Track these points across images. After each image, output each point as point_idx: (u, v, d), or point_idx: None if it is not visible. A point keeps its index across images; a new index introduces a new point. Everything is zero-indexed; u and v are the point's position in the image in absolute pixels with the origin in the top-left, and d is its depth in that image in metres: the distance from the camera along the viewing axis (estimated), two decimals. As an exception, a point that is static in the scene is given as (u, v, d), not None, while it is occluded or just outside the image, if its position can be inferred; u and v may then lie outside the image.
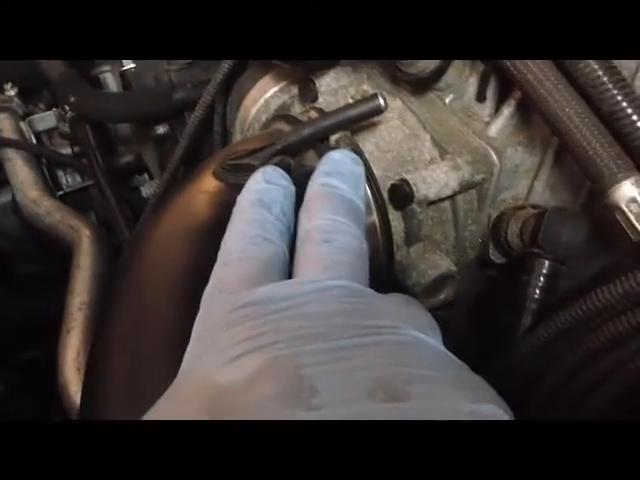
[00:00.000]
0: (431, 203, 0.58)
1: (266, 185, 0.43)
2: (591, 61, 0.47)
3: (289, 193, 0.44)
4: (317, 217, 0.41)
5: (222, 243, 0.41)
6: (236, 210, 0.43)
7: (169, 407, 0.32)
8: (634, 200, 0.47)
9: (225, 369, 0.31)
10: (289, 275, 0.40)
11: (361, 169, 0.46)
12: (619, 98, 0.46)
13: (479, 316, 0.69)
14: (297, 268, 0.39)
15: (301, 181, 0.54)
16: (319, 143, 0.54)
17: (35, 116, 1.23)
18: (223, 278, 0.38)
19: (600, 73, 0.47)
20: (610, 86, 0.47)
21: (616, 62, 0.48)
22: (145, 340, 0.44)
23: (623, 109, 0.46)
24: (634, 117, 0.46)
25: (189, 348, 0.36)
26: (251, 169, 0.47)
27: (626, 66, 0.49)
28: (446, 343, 0.36)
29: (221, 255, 0.40)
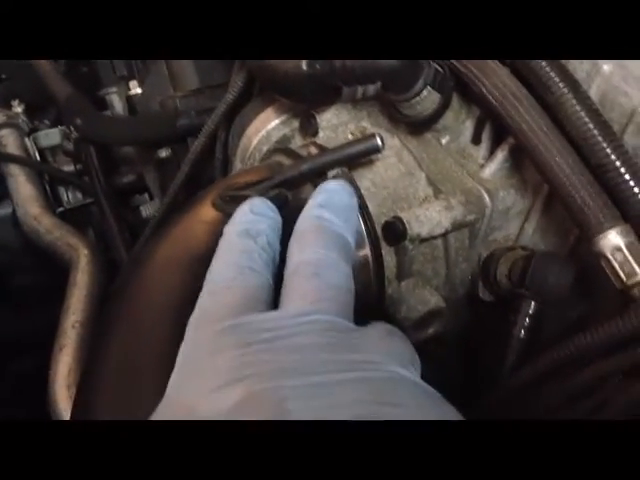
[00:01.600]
0: (423, 240, 0.59)
1: (253, 216, 0.45)
2: (583, 114, 0.49)
3: (275, 224, 0.45)
4: (308, 250, 0.42)
5: (208, 273, 0.42)
6: (222, 240, 0.44)
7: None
8: (619, 249, 0.48)
9: (208, 399, 0.32)
10: (274, 305, 0.41)
11: (354, 201, 0.47)
12: (608, 151, 0.48)
13: (467, 351, 0.70)
14: (284, 299, 0.40)
15: (297, 214, 0.56)
16: (317, 178, 0.56)
17: (40, 133, 1.25)
18: (208, 307, 0.39)
19: (591, 126, 0.49)
20: (600, 139, 0.48)
21: (607, 117, 0.50)
22: (137, 361, 0.44)
23: (612, 162, 0.48)
24: (622, 169, 0.48)
25: (173, 374, 0.36)
26: None
27: (617, 121, 0.51)
28: (434, 377, 0.37)
29: (207, 284, 0.41)
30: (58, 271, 1.11)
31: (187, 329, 0.39)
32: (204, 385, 0.33)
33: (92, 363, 0.48)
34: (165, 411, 0.34)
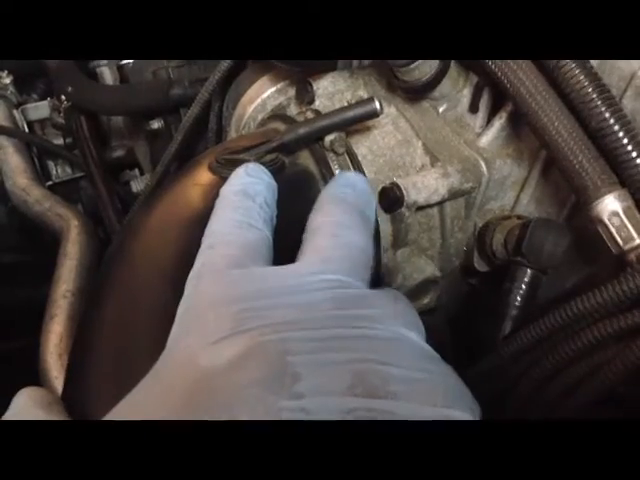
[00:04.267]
0: (420, 208, 0.59)
1: (249, 178, 0.44)
2: (582, 78, 0.49)
3: (271, 187, 0.45)
4: (329, 214, 0.42)
5: (206, 230, 0.41)
6: (220, 200, 0.43)
7: (151, 388, 0.32)
8: (616, 214, 0.48)
9: (209, 350, 0.32)
10: (274, 262, 0.41)
11: (371, 191, 0.47)
12: (607, 115, 0.48)
13: (461, 322, 0.70)
14: (299, 256, 0.40)
15: (294, 179, 0.56)
16: (314, 143, 0.55)
17: (29, 105, 1.23)
18: (210, 259, 0.38)
19: (590, 90, 0.49)
20: (599, 103, 0.48)
21: (606, 81, 0.50)
22: (134, 322, 0.44)
23: (610, 126, 0.48)
24: (620, 134, 0.48)
25: (174, 327, 0.36)
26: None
27: (615, 85, 0.51)
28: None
29: (205, 240, 0.40)
30: (44, 249, 1.10)
31: (187, 284, 0.38)
32: (205, 336, 0.33)
33: (86, 326, 0.48)
34: (165, 363, 0.33)
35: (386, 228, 0.60)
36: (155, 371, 0.33)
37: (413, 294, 0.62)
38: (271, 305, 0.34)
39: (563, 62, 0.49)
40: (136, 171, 1.27)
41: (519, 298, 0.57)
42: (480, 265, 0.65)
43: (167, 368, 0.33)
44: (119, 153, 1.23)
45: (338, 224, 0.41)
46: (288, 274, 0.37)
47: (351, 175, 0.47)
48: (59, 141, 1.23)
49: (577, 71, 0.49)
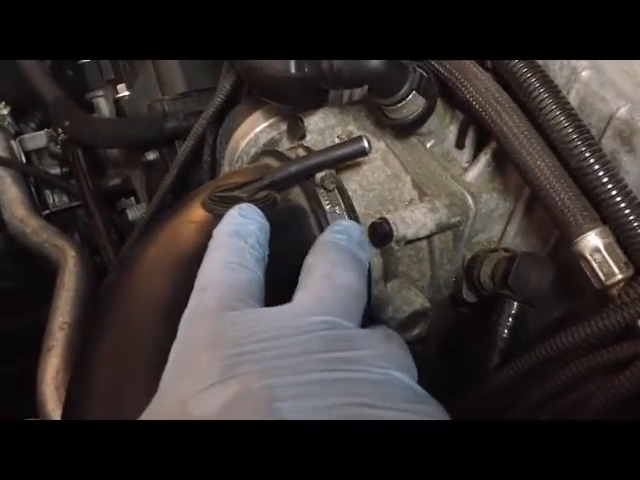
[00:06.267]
0: (409, 242, 0.61)
1: (242, 219, 0.45)
2: (562, 119, 0.50)
3: (264, 227, 0.46)
4: (323, 255, 0.43)
5: (199, 272, 0.42)
6: (212, 241, 0.44)
7: None
8: (597, 250, 0.49)
9: (199, 398, 0.32)
10: (265, 302, 0.41)
11: (365, 237, 0.48)
12: (587, 155, 0.49)
13: (451, 352, 0.71)
14: (294, 296, 0.40)
15: (286, 215, 0.57)
16: (305, 180, 0.57)
17: (26, 135, 1.25)
18: (202, 301, 0.39)
19: (570, 130, 0.50)
20: (579, 143, 0.50)
21: (586, 121, 0.52)
22: (129, 361, 0.45)
23: (590, 165, 0.49)
24: (600, 173, 0.49)
25: (165, 371, 0.36)
26: (238, 202, 0.49)
27: (595, 125, 0.53)
28: (419, 377, 0.38)
29: (198, 282, 0.41)
30: (41, 276, 1.11)
31: (180, 326, 0.39)
32: (196, 382, 0.33)
33: (83, 363, 0.48)
34: (157, 408, 0.34)
35: (376, 261, 0.61)
36: (148, 414, 0.34)
37: (403, 326, 0.63)
38: (261, 349, 0.34)
39: (544, 103, 0.51)
40: (132, 199, 1.28)
41: (506, 331, 0.58)
42: (469, 296, 0.66)
43: (159, 413, 0.33)
44: (115, 181, 1.24)
45: (332, 266, 0.41)
46: (279, 316, 0.37)
47: (346, 223, 0.47)
48: (56, 170, 1.25)
49: (558, 112, 0.51)
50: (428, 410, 0.34)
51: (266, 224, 0.47)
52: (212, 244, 0.44)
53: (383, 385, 0.34)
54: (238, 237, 0.44)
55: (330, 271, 0.41)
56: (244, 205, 0.47)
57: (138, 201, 1.24)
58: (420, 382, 0.37)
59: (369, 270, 0.57)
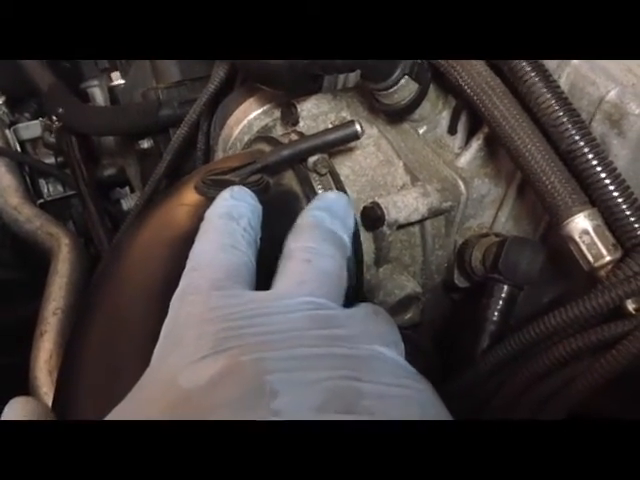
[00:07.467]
0: (401, 227, 0.61)
1: (234, 201, 0.45)
2: (553, 102, 0.51)
3: (256, 210, 0.46)
4: (302, 239, 0.43)
5: (190, 252, 0.42)
6: (204, 223, 0.44)
7: (133, 407, 0.33)
8: (586, 232, 0.50)
9: (189, 369, 0.33)
10: (256, 285, 0.42)
11: (352, 211, 0.48)
12: (577, 138, 0.50)
13: (443, 336, 0.72)
14: (274, 283, 0.41)
15: (278, 199, 0.57)
16: (297, 164, 0.57)
17: (20, 125, 1.25)
18: (192, 282, 0.39)
19: (560, 114, 0.51)
20: (569, 126, 0.50)
21: (576, 105, 0.52)
22: (120, 343, 0.45)
23: (580, 148, 0.50)
24: (589, 156, 0.50)
25: (158, 345, 0.37)
26: (231, 185, 0.49)
27: (585, 109, 0.53)
28: (411, 360, 0.38)
29: (190, 261, 0.41)
30: (34, 266, 1.11)
31: (171, 305, 0.39)
32: (186, 355, 0.34)
33: (75, 344, 0.49)
34: (147, 381, 0.34)
35: (369, 246, 0.61)
36: (139, 387, 0.34)
37: (395, 310, 0.63)
38: (250, 325, 0.35)
39: (535, 87, 0.51)
40: (127, 189, 1.28)
41: (496, 313, 0.59)
42: (460, 281, 0.67)
43: (150, 385, 0.34)
44: (110, 171, 1.24)
45: (311, 251, 0.41)
46: (267, 297, 0.38)
47: (330, 196, 0.48)
48: (51, 160, 1.25)
49: (548, 95, 0.51)
50: (416, 386, 0.34)
51: (258, 207, 0.47)
52: (203, 226, 0.44)
53: (370, 360, 0.35)
54: (230, 219, 0.44)
55: (310, 256, 0.41)
56: (236, 187, 0.47)
57: (132, 191, 1.24)
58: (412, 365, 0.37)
59: (358, 249, 0.58)
